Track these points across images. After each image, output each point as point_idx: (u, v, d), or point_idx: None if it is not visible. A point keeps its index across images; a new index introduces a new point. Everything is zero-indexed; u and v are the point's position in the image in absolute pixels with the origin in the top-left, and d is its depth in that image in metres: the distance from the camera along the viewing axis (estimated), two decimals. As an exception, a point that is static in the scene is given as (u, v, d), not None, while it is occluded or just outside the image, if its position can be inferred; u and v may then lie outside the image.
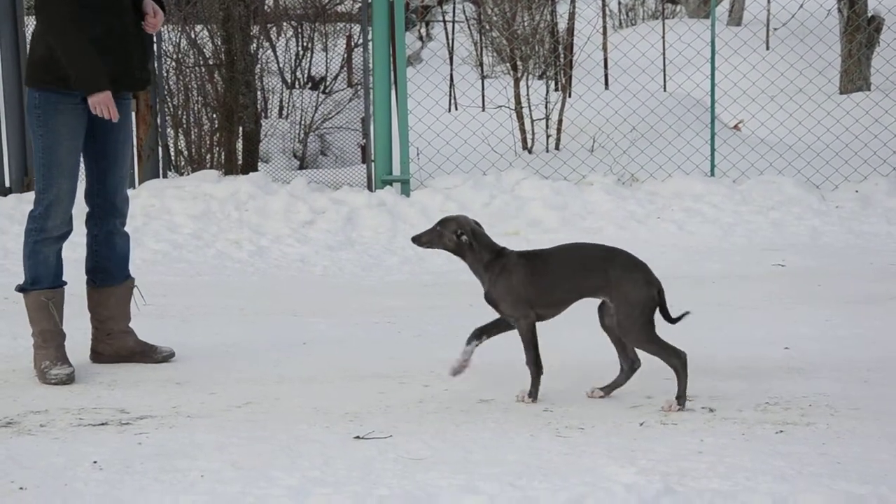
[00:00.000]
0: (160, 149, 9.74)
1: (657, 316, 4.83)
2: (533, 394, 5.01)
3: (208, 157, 10.27)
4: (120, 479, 4.16)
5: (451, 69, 12.24)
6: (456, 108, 12.05)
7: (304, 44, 11.79)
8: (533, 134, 10.59)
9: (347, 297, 7.16)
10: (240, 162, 10.18)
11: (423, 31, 19.74)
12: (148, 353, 5.66)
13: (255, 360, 5.75)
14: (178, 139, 10.19)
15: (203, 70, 10.32)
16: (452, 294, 7.19)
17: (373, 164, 9.46)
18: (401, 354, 5.83)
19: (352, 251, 8.38)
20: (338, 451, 4.42)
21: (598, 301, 4.94)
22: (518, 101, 10.56)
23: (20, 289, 5.55)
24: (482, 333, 4.99)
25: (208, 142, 10.32)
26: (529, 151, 10.54)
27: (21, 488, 4.06)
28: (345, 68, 12.18)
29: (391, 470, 4.20)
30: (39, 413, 4.91)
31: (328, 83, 11.90)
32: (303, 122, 11.06)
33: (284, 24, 11.76)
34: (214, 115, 10.25)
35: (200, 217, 8.81)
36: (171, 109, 10.05)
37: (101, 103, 5.25)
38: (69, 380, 5.32)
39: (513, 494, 3.93)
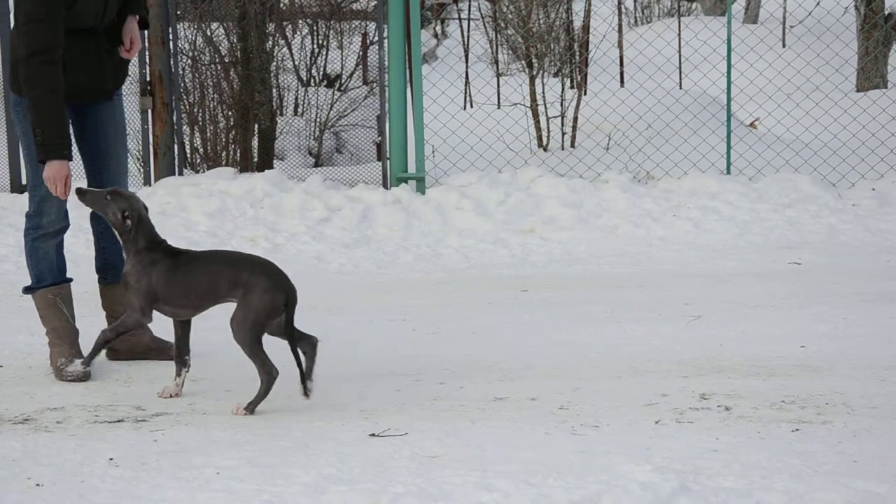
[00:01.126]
0: (176, 146, 9.74)
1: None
2: (87, 361, 5.19)
3: (223, 154, 10.28)
4: (136, 476, 4.17)
5: (467, 67, 12.24)
6: (471, 106, 12.05)
7: (320, 41, 11.79)
8: (548, 131, 10.58)
9: (362, 295, 7.16)
10: (255, 159, 10.19)
11: (438, 28, 19.75)
12: (163, 350, 5.66)
13: (271, 356, 5.74)
14: (193, 137, 10.20)
15: (218, 68, 10.34)
16: (468, 291, 7.19)
17: (388, 161, 9.47)
18: (416, 352, 5.82)
19: (367, 248, 8.38)
20: (353, 448, 4.43)
21: None
22: (533, 99, 10.55)
23: (26, 290, 5.58)
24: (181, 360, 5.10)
25: (224, 139, 10.34)
26: (545, 149, 10.53)
27: (38, 485, 4.08)
28: (360, 66, 12.18)
29: (406, 467, 4.20)
30: (56, 410, 4.92)
31: (343, 81, 11.90)
32: (318, 120, 11.07)
33: (300, 21, 11.76)
34: (230, 113, 10.26)
35: (216, 214, 8.82)
36: (187, 107, 10.07)
37: (56, 176, 5.14)
38: (85, 377, 5.33)
39: (528, 492, 3.92)
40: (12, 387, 5.18)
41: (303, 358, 4.91)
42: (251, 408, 4.82)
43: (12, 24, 5.35)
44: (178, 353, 5.08)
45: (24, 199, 9.04)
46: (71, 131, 5.33)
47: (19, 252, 8.11)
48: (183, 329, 5.07)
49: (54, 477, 4.15)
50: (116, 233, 5.02)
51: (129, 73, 9.74)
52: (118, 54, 5.53)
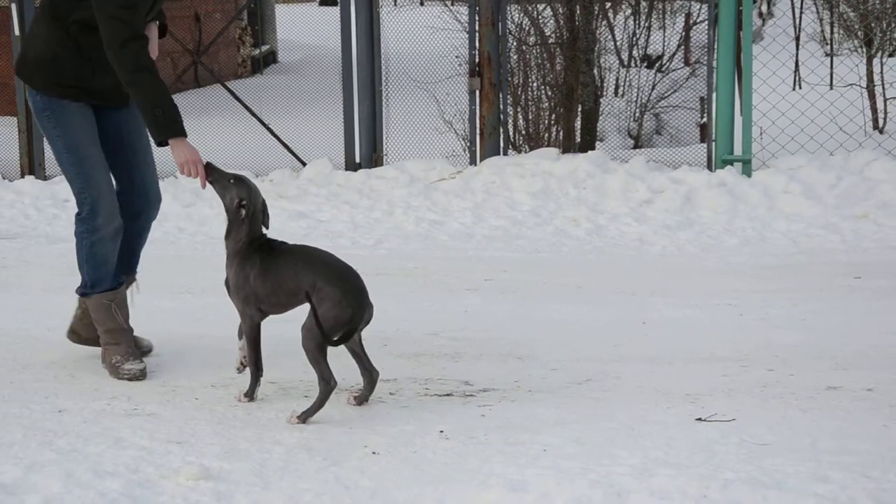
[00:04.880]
0: (501, 127, 9.89)
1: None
2: (249, 393, 4.82)
3: (545, 135, 10.36)
4: (465, 449, 4.26)
5: (797, 47, 11.85)
6: (800, 87, 11.67)
7: (642, 22, 11.70)
8: (885, 113, 10.11)
9: (686, 278, 7.06)
10: (578, 140, 10.21)
11: (763, 8, 19.25)
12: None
13: (595, 338, 5.76)
14: (517, 117, 10.32)
15: (542, 49, 10.41)
16: (796, 277, 6.97)
17: (713, 143, 9.29)
18: (743, 337, 5.69)
19: (690, 231, 8.25)
20: (680, 432, 4.38)
21: None
22: (871, 79, 10.11)
23: (81, 293, 5.33)
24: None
25: (547, 120, 10.41)
26: (881, 131, 10.09)
27: (374, 453, 4.23)
28: (682, 47, 12.02)
29: (735, 454, 4.12)
30: (389, 381, 5.08)
31: (665, 62, 11.77)
32: (638, 101, 10.99)
33: (624, 2, 11.71)
34: (552, 94, 10.32)
35: (539, 194, 8.89)
36: (512, 88, 10.19)
37: (192, 158, 4.91)
38: (143, 375, 5.15)
39: (865, 485, 3.77)
40: (348, 358, 5.36)
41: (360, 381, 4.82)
42: (304, 417, 4.61)
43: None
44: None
45: (360, 174, 9.37)
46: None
47: (354, 228, 8.43)
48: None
49: (389, 446, 4.30)
50: (227, 218, 4.82)
51: (459, 54, 10.05)
52: None
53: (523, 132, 10.38)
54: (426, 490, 3.91)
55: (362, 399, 4.80)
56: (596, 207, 8.66)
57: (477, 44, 9.51)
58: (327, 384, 4.60)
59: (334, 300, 4.54)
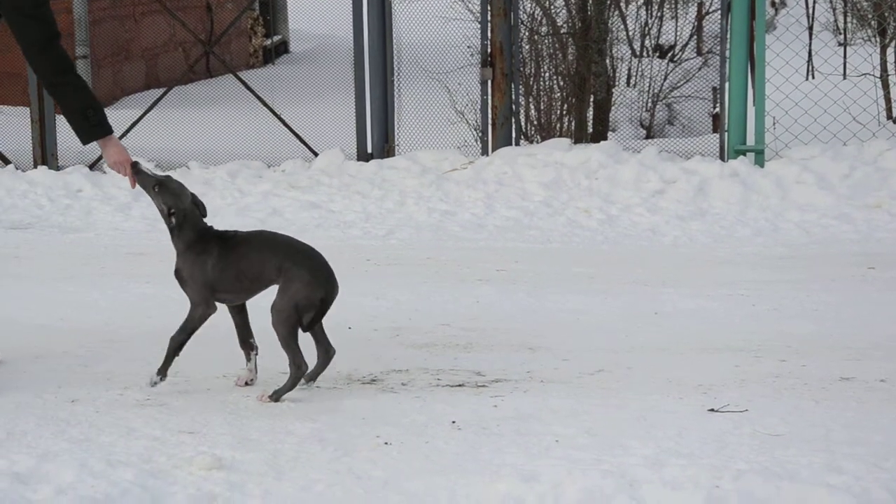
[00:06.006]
0: (513, 117, 9.87)
1: None
2: (161, 371, 4.77)
3: (557, 125, 10.34)
4: (477, 440, 4.26)
5: (811, 36, 11.80)
6: (814, 77, 11.63)
7: (654, 12, 11.67)
8: (899, 102, 10.08)
9: (699, 268, 7.05)
10: (590, 130, 10.19)
11: (776, -3, 19.17)
12: None
13: (607, 328, 5.76)
14: (528, 107, 10.30)
15: (554, 39, 10.39)
16: (809, 267, 6.95)
17: (726, 133, 9.26)
18: (755, 328, 5.69)
19: (703, 221, 8.24)
20: (692, 422, 4.37)
21: None
22: (884, 69, 10.07)
23: None
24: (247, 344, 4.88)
25: (559, 110, 10.39)
26: (894, 121, 10.04)
27: (386, 443, 4.23)
28: (695, 36, 11.98)
29: (748, 444, 4.12)
30: (400, 372, 5.08)
31: (677, 52, 11.74)
32: (650, 91, 10.97)
33: (636, -8, 11.68)
34: (564, 84, 10.30)
35: (551, 185, 8.88)
36: (524, 78, 10.17)
37: (124, 158, 4.84)
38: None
39: (879, 476, 3.76)
40: (360, 348, 5.38)
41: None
42: (276, 396, 4.67)
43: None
44: (242, 339, 4.87)
45: (372, 165, 9.34)
46: None
47: (366, 218, 8.44)
48: (240, 316, 4.87)
49: (401, 436, 4.29)
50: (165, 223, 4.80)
51: (471, 44, 10.02)
52: None
53: (535, 122, 10.36)
54: (438, 480, 3.91)
55: (312, 377, 4.78)
56: (608, 198, 8.65)
57: (489, 34, 9.50)
58: (299, 368, 4.65)
59: (304, 280, 4.60)
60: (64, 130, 9.78)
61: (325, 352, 4.78)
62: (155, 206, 4.81)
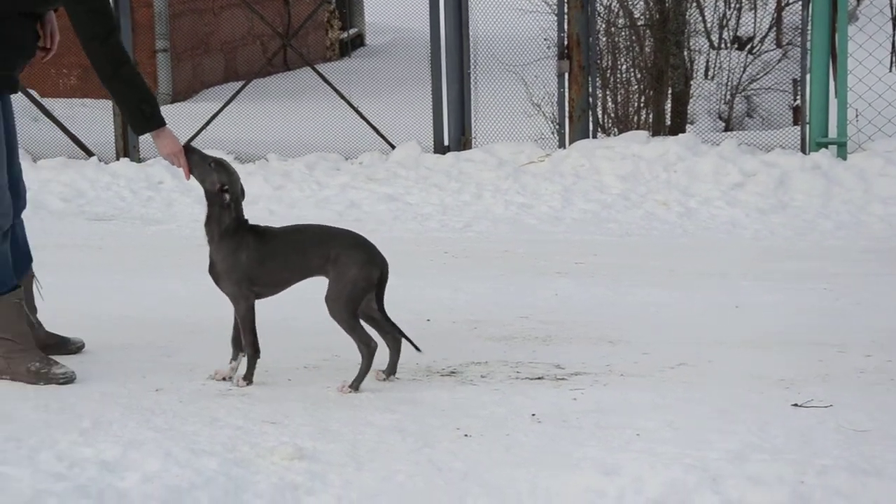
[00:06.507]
0: (590, 110, 9.83)
1: None
2: (248, 377, 4.79)
3: (634, 118, 10.28)
4: (557, 433, 4.25)
5: (895, 27, 11.60)
6: (897, 68, 11.45)
7: (733, 3, 11.54)
8: None
9: (780, 262, 6.97)
10: (668, 123, 10.12)
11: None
12: (62, 345, 5.24)
13: (687, 321, 5.72)
14: (605, 100, 10.25)
15: (632, 31, 10.33)
16: (893, 261, 6.87)
17: (807, 126, 9.15)
18: (839, 322, 5.62)
19: (784, 214, 8.14)
20: (775, 417, 4.33)
21: None
22: (969, 59, 9.87)
23: None
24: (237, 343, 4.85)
25: (636, 103, 10.33)
26: (979, 113, 9.84)
27: (466, 435, 4.23)
28: (774, 28, 11.84)
29: (832, 440, 4.07)
30: (480, 364, 5.08)
31: (756, 43, 11.61)
32: (729, 83, 10.86)
33: (715, -18, 11.56)
34: (642, 76, 10.24)
35: (628, 177, 8.83)
36: (601, 70, 10.12)
37: (178, 150, 4.86)
38: (74, 376, 4.88)
39: (970, 474, 3.70)
40: (439, 340, 5.39)
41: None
42: (355, 385, 4.68)
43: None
44: (236, 336, 4.83)
45: (449, 157, 9.35)
46: None
47: (443, 211, 8.44)
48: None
49: (481, 429, 4.29)
50: (208, 204, 4.78)
51: (548, 36, 10.00)
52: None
53: (612, 115, 10.31)
54: (518, 473, 3.90)
55: (390, 370, 4.82)
56: (687, 191, 8.58)
57: (566, 26, 9.46)
58: (367, 346, 4.68)
59: (359, 262, 4.64)
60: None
61: (395, 340, 4.81)
62: (204, 186, 4.81)
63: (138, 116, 4.88)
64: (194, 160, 4.81)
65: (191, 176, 4.85)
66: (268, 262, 4.71)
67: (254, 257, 4.70)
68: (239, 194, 4.79)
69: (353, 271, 4.62)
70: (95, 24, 4.80)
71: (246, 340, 4.79)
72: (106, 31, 4.81)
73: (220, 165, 4.79)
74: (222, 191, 4.73)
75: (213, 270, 4.78)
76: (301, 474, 3.91)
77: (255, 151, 9.81)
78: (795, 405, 4.45)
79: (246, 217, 4.81)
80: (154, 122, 4.89)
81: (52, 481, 3.74)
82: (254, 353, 4.80)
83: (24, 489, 3.66)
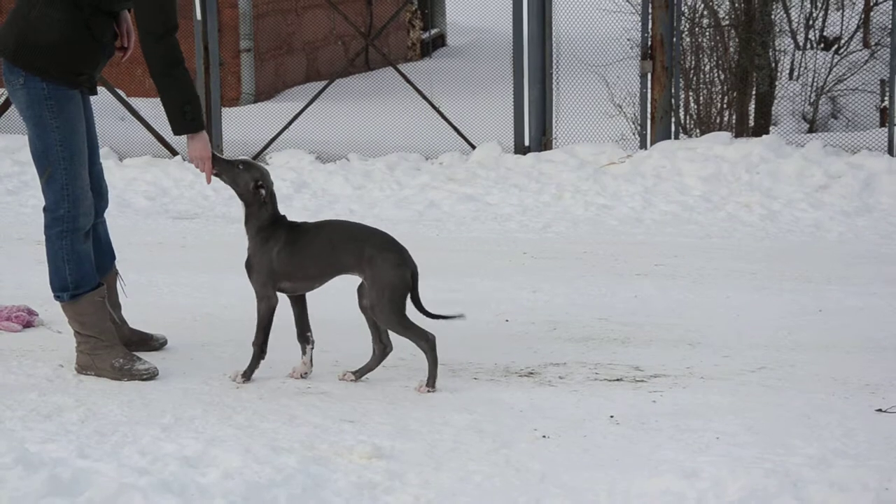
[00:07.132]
0: (672, 111, 9.75)
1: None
2: (247, 374, 4.84)
3: (717, 119, 10.18)
4: (636, 435, 4.23)
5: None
6: None
7: (819, 3, 11.39)
8: None
9: (865, 265, 6.87)
10: (751, 124, 10.01)
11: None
12: (145, 341, 5.32)
13: (769, 325, 5.65)
14: (688, 101, 10.17)
15: (716, 31, 10.23)
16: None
17: (895, 127, 9.00)
18: (926, 328, 5.53)
19: (869, 218, 8.02)
20: (858, 422, 4.28)
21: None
22: None
23: (70, 296, 4.99)
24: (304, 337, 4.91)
25: (719, 103, 10.23)
26: None
27: (544, 436, 4.23)
28: (861, 28, 11.66)
29: (918, 447, 4.01)
30: (558, 365, 5.07)
31: (843, 44, 11.44)
32: (814, 84, 10.72)
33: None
34: (725, 77, 10.14)
35: (710, 179, 8.74)
36: (684, 71, 10.04)
37: (205, 154, 4.89)
38: (157, 371, 4.98)
39: None
40: (517, 341, 5.39)
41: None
42: (431, 383, 4.69)
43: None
44: (301, 331, 4.92)
45: (529, 158, 9.34)
46: None
47: (523, 211, 8.43)
48: (300, 307, 4.92)
49: (558, 430, 4.29)
50: (244, 206, 4.84)
51: (631, 37, 9.95)
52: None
53: (695, 116, 10.22)
54: (597, 475, 3.89)
55: (361, 373, 4.86)
56: (769, 193, 8.49)
57: (650, 26, 9.40)
58: (426, 341, 4.71)
59: (394, 263, 4.67)
60: (228, 121, 10.03)
61: (383, 348, 4.85)
62: (237, 190, 4.88)
63: (180, 117, 4.94)
64: (221, 167, 4.89)
65: (211, 180, 4.94)
66: (297, 256, 4.78)
67: (285, 251, 4.77)
68: (272, 187, 4.89)
69: (389, 274, 4.66)
70: (154, 20, 4.87)
71: (256, 338, 4.87)
72: (163, 30, 4.88)
73: (249, 165, 4.90)
74: (257, 188, 4.82)
75: (248, 265, 4.87)
76: (379, 473, 3.93)
77: (336, 151, 9.86)
78: (880, 410, 4.40)
79: (283, 213, 4.91)
80: (194, 125, 4.95)
81: (135, 476, 3.80)
82: (259, 353, 4.89)
83: (109, 483, 3.72)
